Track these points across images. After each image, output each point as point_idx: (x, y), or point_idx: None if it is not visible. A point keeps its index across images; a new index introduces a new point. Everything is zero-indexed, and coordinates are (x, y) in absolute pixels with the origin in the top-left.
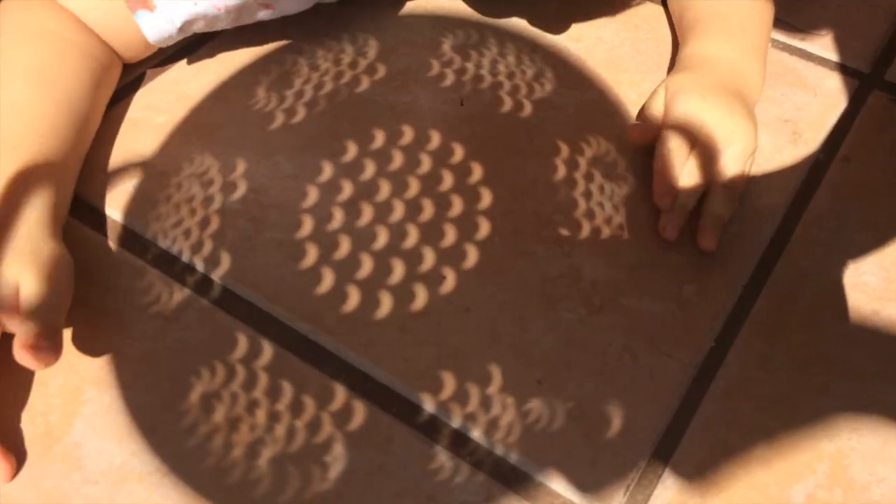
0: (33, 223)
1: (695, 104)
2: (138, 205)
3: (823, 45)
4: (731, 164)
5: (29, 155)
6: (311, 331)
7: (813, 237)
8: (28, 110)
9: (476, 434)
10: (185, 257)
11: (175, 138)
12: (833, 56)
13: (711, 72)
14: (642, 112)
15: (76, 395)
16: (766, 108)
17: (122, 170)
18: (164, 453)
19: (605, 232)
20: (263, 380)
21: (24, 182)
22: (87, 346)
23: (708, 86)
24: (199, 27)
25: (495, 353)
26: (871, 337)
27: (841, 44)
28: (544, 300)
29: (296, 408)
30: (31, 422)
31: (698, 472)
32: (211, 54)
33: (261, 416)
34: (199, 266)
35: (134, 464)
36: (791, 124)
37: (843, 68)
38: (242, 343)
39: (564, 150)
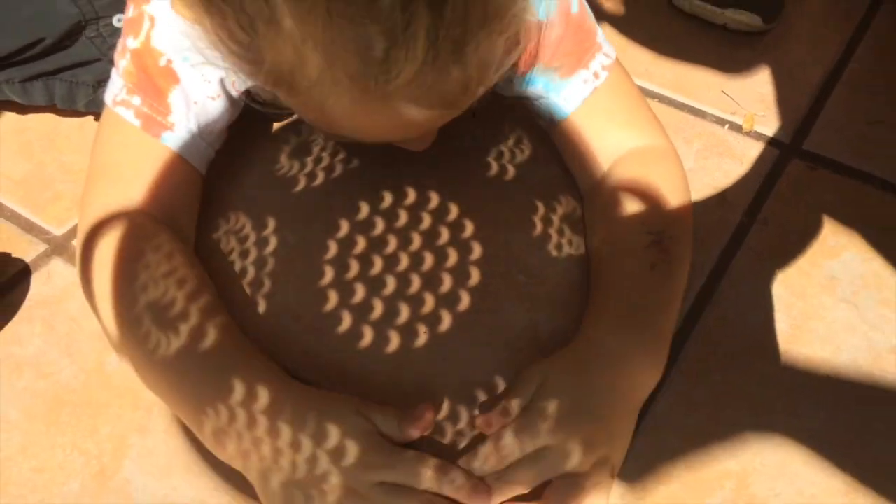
0: None
1: (565, 424)
2: None
3: (738, 112)
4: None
5: None
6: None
7: (735, 291)
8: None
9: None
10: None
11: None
12: (760, 128)
13: (599, 378)
14: (509, 390)
15: (124, 441)
16: (698, 177)
17: None
18: (200, 485)
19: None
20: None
21: None
22: (132, 399)
23: (584, 400)
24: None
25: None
26: (781, 374)
27: (767, 117)
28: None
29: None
30: (87, 464)
31: (629, 489)
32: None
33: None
34: None
35: (175, 496)
36: (719, 190)
37: (767, 139)
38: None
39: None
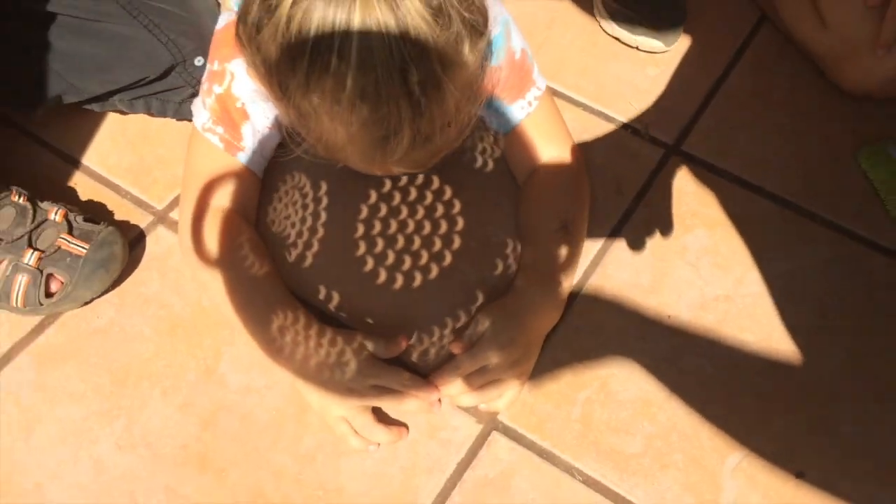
0: None
1: (505, 350)
2: None
3: (638, 118)
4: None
5: None
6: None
7: (617, 257)
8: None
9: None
10: None
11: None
12: (654, 132)
13: (525, 320)
14: (469, 328)
15: (218, 349)
16: (603, 171)
17: None
18: (268, 377)
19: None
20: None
21: None
22: (222, 323)
23: (517, 336)
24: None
25: None
26: (639, 314)
27: (659, 122)
28: None
29: None
30: (197, 364)
31: (534, 385)
32: None
33: None
34: None
35: (253, 384)
36: (616, 182)
37: (655, 140)
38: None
39: None
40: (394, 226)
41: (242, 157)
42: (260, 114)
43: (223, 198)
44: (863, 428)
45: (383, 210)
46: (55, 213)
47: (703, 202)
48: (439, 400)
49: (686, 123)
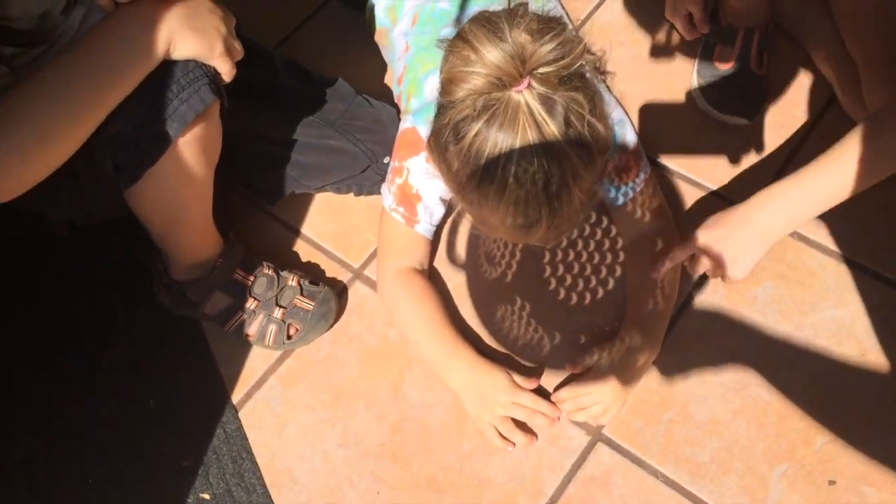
0: None
1: (613, 385)
2: None
3: (723, 185)
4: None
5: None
6: None
7: (700, 310)
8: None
9: None
10: None
11: None
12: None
13: (629, 364)
14: (585, 355)
15: (402, 375)
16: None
17: None
18: (441, 396)
19: None
20: None
21: None
22: (407, 355)
23: (623, 375)
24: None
25: None
26: (722, 351)
27: (740, 188)
28: None
29: None
30: (388, 386)
31: (631, 410)
32: None
33: None
34: None
35: (432, 400)
36: None
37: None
38: None
39: None
40: (572, 255)
41: (419, 228)
42: (429, 195)
43: (406, 259)
44: (889, 447)
45: (564, 242)
46: (291, 280)
47: (773, 258)
48: (559, 417)
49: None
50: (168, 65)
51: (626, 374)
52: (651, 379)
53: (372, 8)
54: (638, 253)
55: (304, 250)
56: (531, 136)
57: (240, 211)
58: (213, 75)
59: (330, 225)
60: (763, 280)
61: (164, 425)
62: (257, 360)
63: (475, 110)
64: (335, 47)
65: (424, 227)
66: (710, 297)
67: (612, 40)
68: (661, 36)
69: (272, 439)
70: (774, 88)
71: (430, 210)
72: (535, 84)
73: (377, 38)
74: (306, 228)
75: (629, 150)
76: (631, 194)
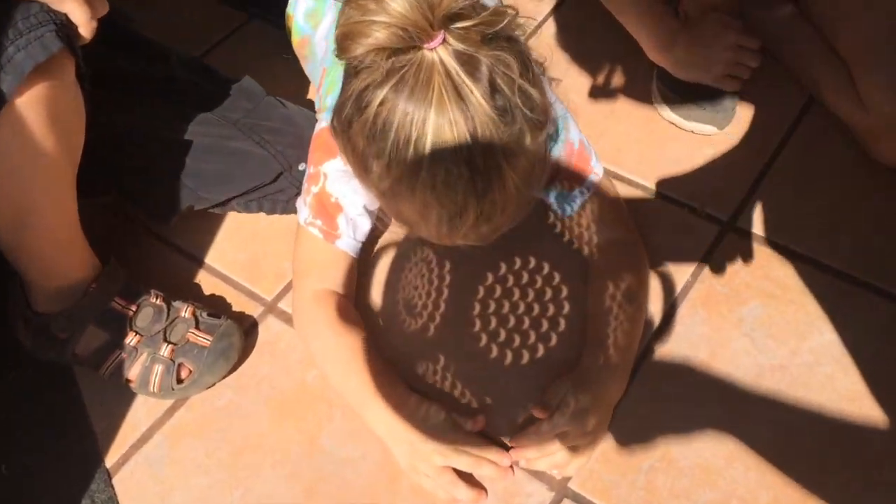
0: None
1: (578, 420)
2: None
3: (694, 197)
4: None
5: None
6: None
7: (676, 331)
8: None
9: None
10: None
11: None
12: (710, 210)
13: (594, 394)
14: (547, 395)
15: (320, 424)
16: (662, 250)
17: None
18: (364, 444)
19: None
20: None
21: None
22: (323, 399)
23: (588, 408)
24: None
25: None
26: (699, 383)
27: (715, 201)
28: None
29: None
30: (302, 436)
31: (604, 450)
32: None
33: None
34: None
35: (353, 454)
36: (675, 258)
37: (711, 217)
38: None
39: None
40: (507, 306)
41: (340, 244)
42: (351, 205)
43: (325, 280)
44: None
45: (498, 291)
46: (185, 311)
47: (757, 275)
48: (512, 467)
49: (740, 200)
50: (6, 8)
51: (601, 405)
52: (624, 417)
53: (291, 17)
54: (596, 271)
55: (206, 282)
56: (449, 104)
57: (125, 234)
58: (64, 24)
59: (239, 253)
60: (748, 300)
61: (18, 496)
62: (140, 413)
63: (381, 75)
64: (255, 65)
65: (347, 243)
66: (688, 320)
67: (555, 48)
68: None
69: None
70: (744, 95)
71: (353, 222)
72: (451, 40)
73: (298, 49)
74: (210, 257)
75: (574, 148)
76: (579, 201)
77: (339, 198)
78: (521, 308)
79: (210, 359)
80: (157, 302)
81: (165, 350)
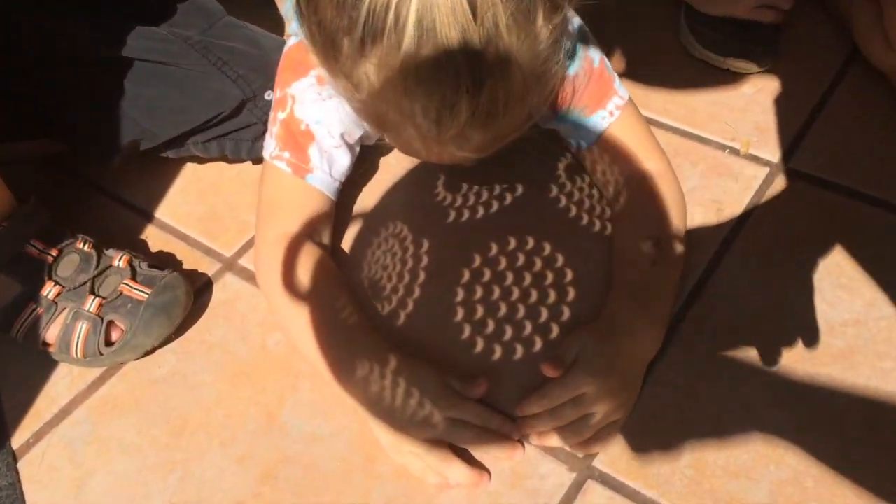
0: None
1: (600, 377)
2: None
3: (737, 139)
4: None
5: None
6: None
7: (724, 281)
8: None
9: None
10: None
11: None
12: (755, 151)
13: (620, 345)
14: (558, 352)
15: (282, 396)
16: (700, 193)
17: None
18: (334, 422)
19: None
20: None
21: None
22: (286, 368)
23: (613, 361)
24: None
25: None
26: (754, 343)
27: (761, 141)
28: None
29: None
30: (259, 411)
31: (635, 424)
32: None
33: None
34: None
35: (319, 431)
36: (717, 203)
37: (757, 159)
38: None
39: None
40: (497, 292)
41: (312, 179)
42: (325, 134)
43: (295, 223)
44: None
45: (487, 275)
46: (119, 259)
47: (818, 219)
48: (522, 443)
49: (792, 140)
50: None
51: (627, 364)
52: (660, 384)
53: None
54: (623, 208)
55: (155, 238)
56: None
57: (65, 189)
58: None
59: (196, 206)
60: (810, 246)
61: None
62: (61, 385)
63: None
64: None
65: (320, 179)
66: (737, 270)
67: None
68: None
69: (64, 500)
70: (789, 28)
71: (329, 154)
72: None
73: None
74: (162, 211)
75: (594, 66)
76: (601, 127)
77: (311, 124)
78: (516, 294)
79: (147, 314)
80: (85, 248)
81: (92, 304)
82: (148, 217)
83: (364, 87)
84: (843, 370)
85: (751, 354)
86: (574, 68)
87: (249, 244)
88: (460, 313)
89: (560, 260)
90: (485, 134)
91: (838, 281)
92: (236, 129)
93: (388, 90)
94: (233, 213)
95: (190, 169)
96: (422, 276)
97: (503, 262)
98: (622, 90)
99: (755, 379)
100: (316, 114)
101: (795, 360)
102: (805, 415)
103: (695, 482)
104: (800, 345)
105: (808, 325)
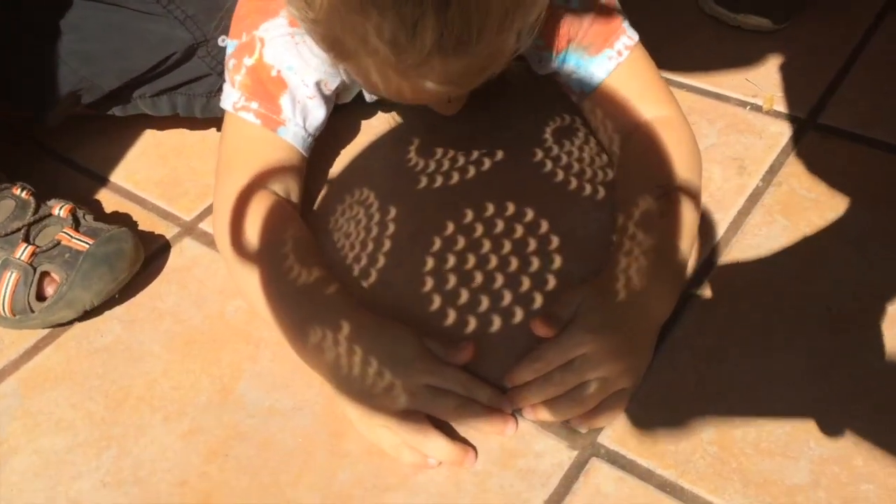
0: None
1: (602, 334)
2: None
3: (759, 95)
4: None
5: None
6: None
7: (748, 240)
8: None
9: None
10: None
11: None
12: (778, 108)
13: (625, 300)
14: (555, 308)
15: (239, 367)
16: (720, 150)
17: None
18: (295, 396)
19: None
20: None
21: None
22: (244, 337)
23: (617, 317)
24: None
25: None
26: (780, 306)
27: (784, 98)
28: None
29: None
30: (212, 383)
31: (648, 394)
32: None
33: None
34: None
35: (277, 405)
36: (738, 161)
37: (785, 116)
38: None
39: None
40: (472, 261)
41: (284, 132)
42: (298, 82)
43: (261, 178)
44: None
45: (461, 243)
46: (60, 209)
47: (854, 175)
48: (515, 417)
49: (821, 95)
50: None
51: (635, 322)
52: (677, 349)
53: None
54: (629, 155)
55: (109, 200)
56: None
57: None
58: None
59: (155, 170)
60: (846, 204)
61: None
62: None
63: None
64: None
65: (293, 132)
66: (765, 229)
67: None
68: None
69: None
70: None
71: (303, 105)
72: None
73: None
74: (118, 175)
75: (602, 2)
76: (612, 66)
77: (283, 70)
78: (493, 262)
79: (86, 265)
80: (23, 195)
81: (24, 253)
82: (102, 181)
83: (315, 2)
84: (892, 337)
85: (784, 318)
86: (576, 1)
87: (210, 209)
88: (429, 283)
89: (544, 226)
90: (454, 64)
91: (882, 240)
92: (188, 81)
93: (340, 5)
94: (195, 177)
95: (150, 134)
96: (387, 244)
97: (479, 229)
98: (631, 30)
99: (791, 345)
100: (289, 59)
101: (834, 327)
102: (849, 386)
103: (719, 461)
104: (842, 309)
105: (852, 288)
